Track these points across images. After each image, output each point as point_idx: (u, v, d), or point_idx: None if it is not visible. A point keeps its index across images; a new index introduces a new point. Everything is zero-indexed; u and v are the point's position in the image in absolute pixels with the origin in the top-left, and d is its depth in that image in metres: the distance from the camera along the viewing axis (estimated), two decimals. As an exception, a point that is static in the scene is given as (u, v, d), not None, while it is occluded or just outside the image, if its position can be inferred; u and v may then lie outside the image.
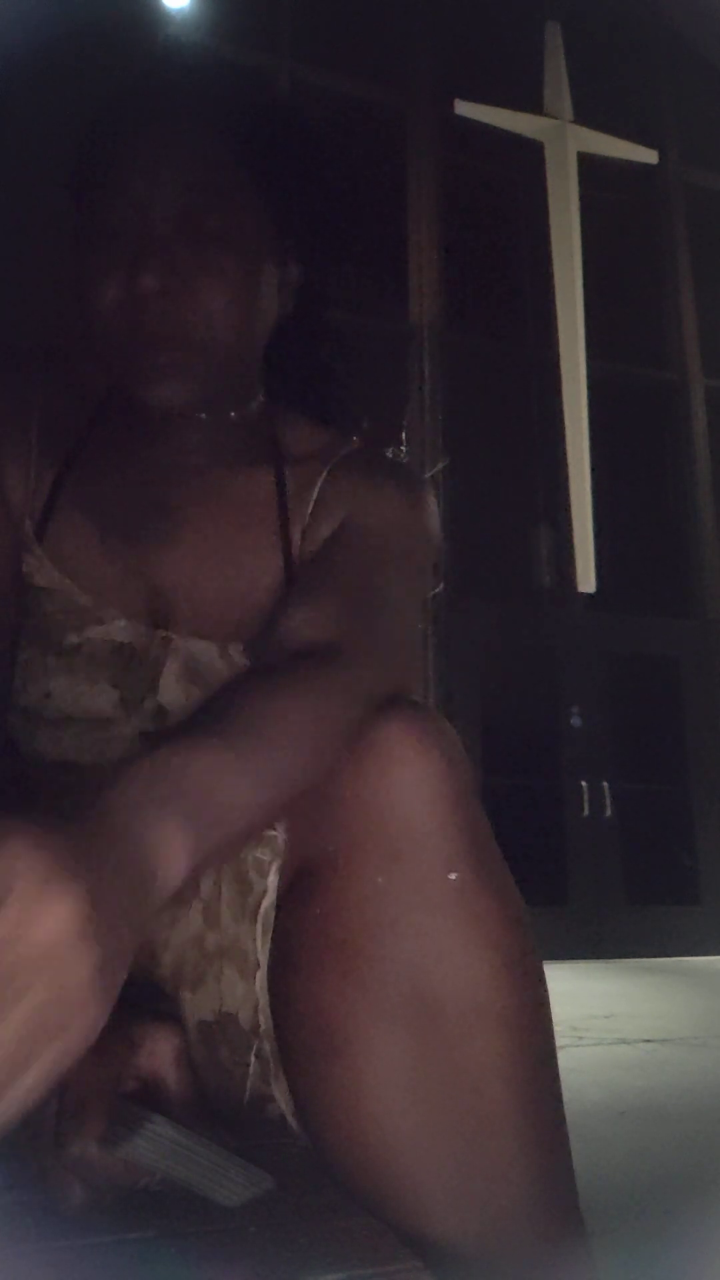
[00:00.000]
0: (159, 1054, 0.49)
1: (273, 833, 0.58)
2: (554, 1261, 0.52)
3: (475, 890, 0.52)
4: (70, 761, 0.69)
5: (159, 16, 7.21)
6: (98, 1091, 0.47)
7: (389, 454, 0.85)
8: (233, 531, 0.77)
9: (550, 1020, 0.55)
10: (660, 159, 8.69)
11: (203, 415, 0.77)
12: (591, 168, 8.26)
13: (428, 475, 6.86)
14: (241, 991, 0.59)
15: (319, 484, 0.80)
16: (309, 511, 0.79)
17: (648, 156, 8.62)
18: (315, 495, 0.79)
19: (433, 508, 0.82)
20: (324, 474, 0.80)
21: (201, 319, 0.70)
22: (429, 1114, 0.51)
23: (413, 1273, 0.42)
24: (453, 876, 0.52)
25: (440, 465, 7.03)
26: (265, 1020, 0.58)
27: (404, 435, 6.52)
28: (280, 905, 0.58)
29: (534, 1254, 0.51)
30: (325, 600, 0.68)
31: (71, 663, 0.69)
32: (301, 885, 0.56)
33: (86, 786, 0.51)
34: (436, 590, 6.63)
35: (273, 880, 0.58)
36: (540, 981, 0.55)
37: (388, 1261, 0.42)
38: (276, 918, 0.58)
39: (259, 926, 0.58)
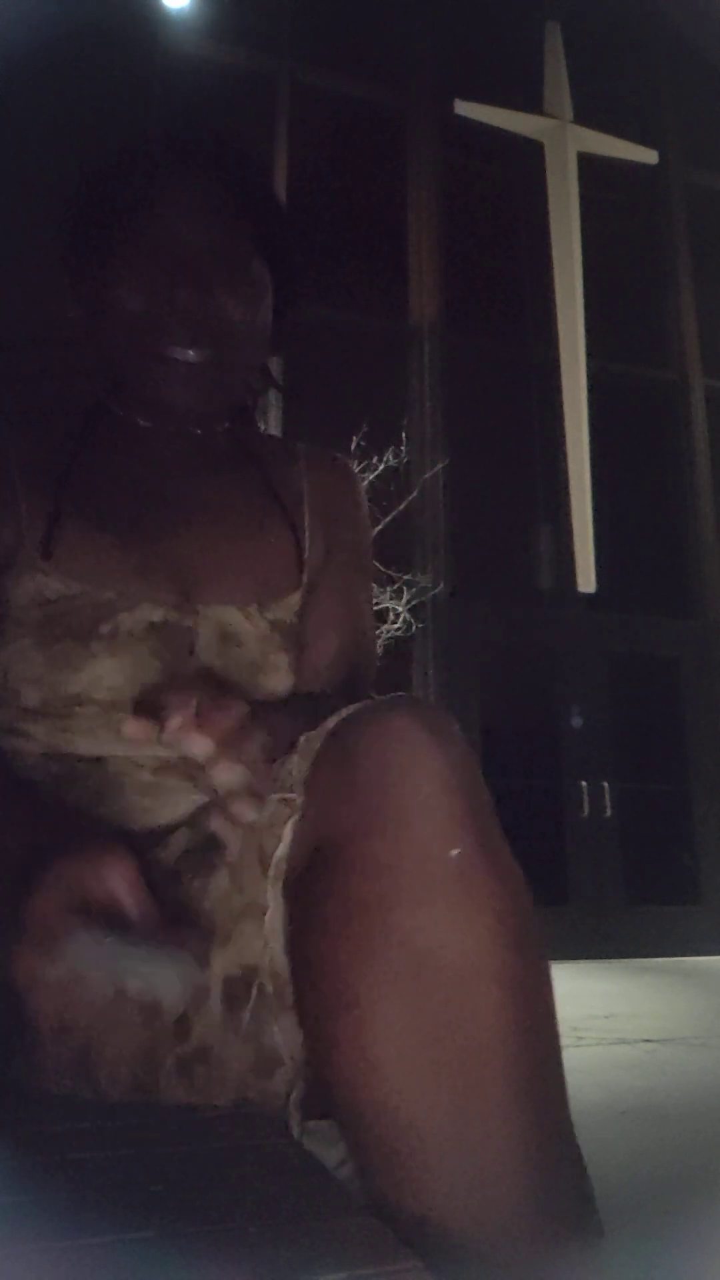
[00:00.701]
0: (109, 876, 0.57)
1: (291, 795, 0.64)
2: (553, 1215, 0.54)
3: (476, 863, 0.57)
4: (118, 756, 0.79)
5: (159, 16, 7.22)
6: (58, 917, 0.55)
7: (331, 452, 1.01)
8: (237, 513, 0.88)
9: (549, 983, 0.59)
10: (660, 159, 8.69)
11: (198, 430, 0.89)
12: (591, 168, 8.27)
13: (427, 475, 6.87)
14: (259, 944, 0.65)
15: (304, 483, 0.94)
16: (304, 502, 0.92)
17: (648, 156, 8.63)
18: (306, 492, 0.93)
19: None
20: (304, 475, 0.94)
21: (224, 328, 0.82)
22: (429, 1063, 0.54)
23: (413, 1273, 0.42)
24: (454, 853, 0.56)
25: (440, 465, 7.03)
26: (276, 959, 0.63)
27: (404, 435, 6.52)
28: (301, 876, 0.63)
29: (532, 1206, 0.54)
30: (325, 653, 0.89)
31: (113, 645, 0.77)
32: (320, 858, 0.61)
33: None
34: (437, 590, 6.64)
35: (286, 833, 0.63)
36: (538, 947, 0.59)
37: (388, 1261, 0.42)
38: (299, 887, 0.63)
39: (271, 872, 0.64)
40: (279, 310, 0.90)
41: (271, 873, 0.63)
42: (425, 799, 0.58)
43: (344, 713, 0.64)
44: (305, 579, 0.90)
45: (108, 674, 0.76)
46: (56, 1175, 0.53)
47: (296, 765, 0.64)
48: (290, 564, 0.89)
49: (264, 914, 0.65)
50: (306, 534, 0.91)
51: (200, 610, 0.81)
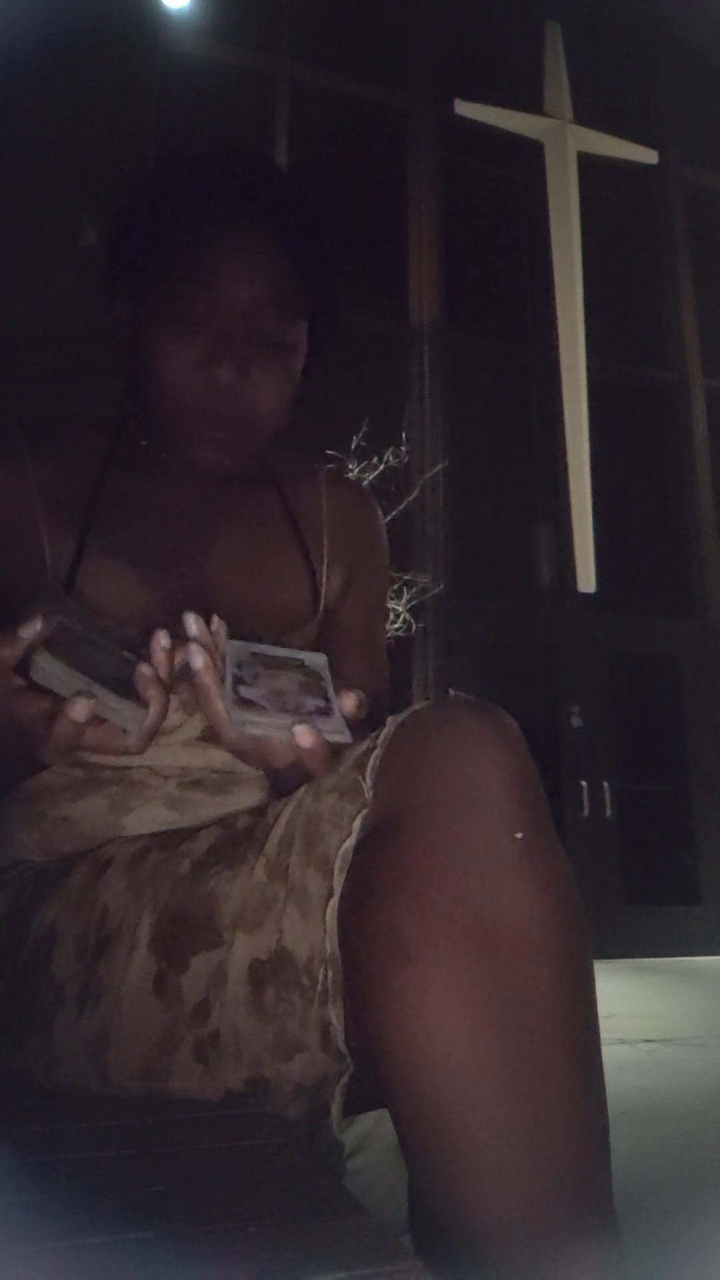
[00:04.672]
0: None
1: (365, 783, 0.65)
2: (588, 1169, 0.57)
3: (536, 847, 0.61)
4: (143, 766, 0.82)
5: (159, 16, 7.21)
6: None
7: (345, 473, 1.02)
8: (255, 543, 0.90)
9: (591, 964, 0.62)
10: (660, 159, 8.68)
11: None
12: (591, 168, 8.26)
13: (427, 475, 6.87)
14: (301, 929, 0.66)
15: (324, 513, 0.95)
16: (323, 533, 0.94)
17: (648, 156, 8.62)
18: (325, 524, 0.95)
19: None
20: (323, 496, 0.96)
21: (257, 411, 0.83)
22: (484, 1015, 0.57)
23: (413, 1273, 0.42)
24: (519, 835, 0.60)
25: (440, 465, 7.03)
26: (332, 946, 0.64)
27: (404, 435, 6.51)
28: (360, 847, 0.65)
29: (572, 1157, 0.56)
30: (349, 677, 0.89)
31: None
32: (383, 830, 0.63)
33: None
34: (437, 590, 6.63)
35: (356, 825, 0.65)
36: (584, 931, 0.62)
37: (388, 1261, 0.42)
38: (355, 856, 0.65)
39: (336, 863, 0.65)
40: (312, 354, 0.89)
41: (337, 864, 0.65)
42: (491, 785, 0.61)
43: (413, 708, 0.67)
44: (321, 609, 0.92)
45: None
46: (56, 1175, 0.53)
47: (374, 758, 0.66)
48: (306, 594, 0.91)
49: (308, 899, 0.66)
50: (324, 563, 0.93)
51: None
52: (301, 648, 0.88)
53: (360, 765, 0.66)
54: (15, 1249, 0.42)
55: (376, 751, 0.66)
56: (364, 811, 0.65)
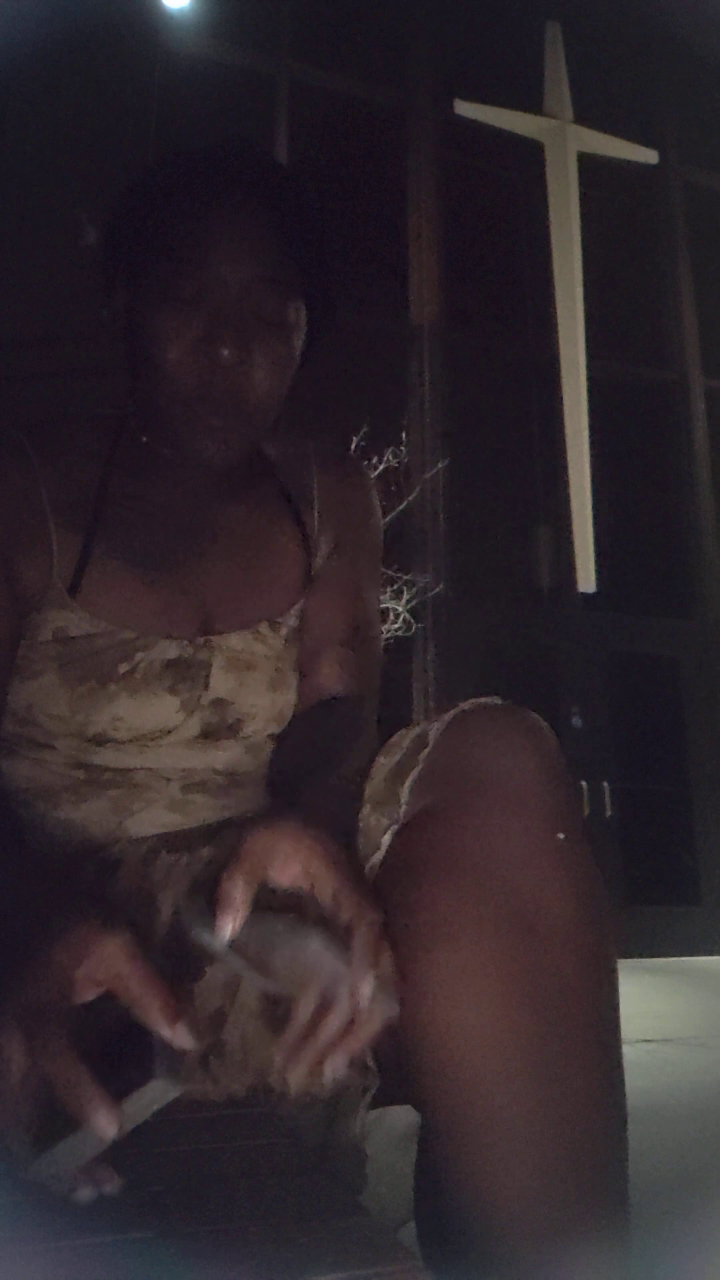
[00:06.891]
0: (109, 955, 0.52)
1: (402, 797, 0.66)
2: (606, 1156, 0.59)
3: (574, 848, 0.63)
4: (144, 768, 0.81)
5: (159, 16, 7.22)
6: (48, 1014, 0.49)
7: (337, 449, 1.00)
8: (256, 530, 0.90)
9: (616, 964, 0.65)
10: (660, 159, 8.69)
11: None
12: (591, 168, 8.26)
13: (427, 475, 6.87)
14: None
15: (315, 485, 0.94)
16: (315, 505, 0.93)
17: (648, 156, 8.62)
18: (316, 495, 0.94)
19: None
20: (315, 478, 0.95)
21: (258, 391, 0.82)
22: (520, 999, 0.58)
23: (412, 1273, 0.42)
24: (560, 836, 0.62)
25: (440, 465, 7.03)
26: None
27: (404, 435, 6.51)
28: (400, 832, 0.66)
29: (593, 1144, 0.58)
30: (341, 654, 0.89)
31: (130, 684, 0.79)
32: (423, 818, 0.65)
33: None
34: (437, 590, 6.64)
35: (385, 840, 0.66)
36: (611, 932, 0.64)
37: (388, 1261, 0.42)
38: (394, 841, 0.66)
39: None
40: (311, 338, 0.88)
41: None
42: (536, 784, 0.63)
43: (458, 708, 0.68)
44: (310, 580, 0.91)
45: (126, 714, 0.79)
46: (56, 1175, 0.52)
47: (415, 774, 0.67)
48: (300, 572, 0.90)
49: None
50: (317, 539, 0.92)
51: (214, 641, 0.82)
52: (299, 625, 0.87)
53: (400, 776, 0.67)
54: (15, 1249, 0.42)
55: (419, 768, 0.66)
56: (393, 827, 0.65)
